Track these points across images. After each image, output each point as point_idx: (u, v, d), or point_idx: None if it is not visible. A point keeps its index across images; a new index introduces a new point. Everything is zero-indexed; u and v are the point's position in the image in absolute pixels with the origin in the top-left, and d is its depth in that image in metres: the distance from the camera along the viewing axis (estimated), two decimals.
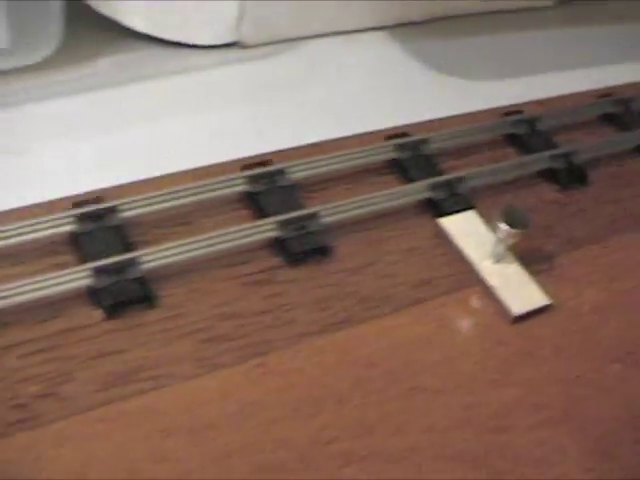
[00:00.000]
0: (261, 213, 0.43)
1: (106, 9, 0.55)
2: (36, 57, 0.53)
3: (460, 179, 0.47)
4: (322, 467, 0.34)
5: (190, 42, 0.59)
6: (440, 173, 0.48)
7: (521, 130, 0.52)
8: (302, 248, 0.42)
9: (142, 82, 0.56)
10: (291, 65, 0.60)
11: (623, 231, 0.48)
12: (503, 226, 0.41)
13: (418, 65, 0.62)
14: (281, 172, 0.45)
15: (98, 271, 0.38)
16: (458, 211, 0.45)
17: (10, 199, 0.43)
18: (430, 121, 0.53)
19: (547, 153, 0.51)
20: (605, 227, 0.49)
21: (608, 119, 0.57)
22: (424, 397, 0.37)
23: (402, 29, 0.65)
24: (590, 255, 0.46)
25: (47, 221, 0.40)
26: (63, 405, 0.34)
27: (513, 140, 0.53)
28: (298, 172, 0.46)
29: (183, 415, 0.35)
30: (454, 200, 0.46)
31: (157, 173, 0.46)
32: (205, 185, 0.44)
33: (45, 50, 0.53)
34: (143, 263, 0.39)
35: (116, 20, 0.56)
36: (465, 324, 0.41)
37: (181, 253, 0.40)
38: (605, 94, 0.59)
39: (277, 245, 0.42)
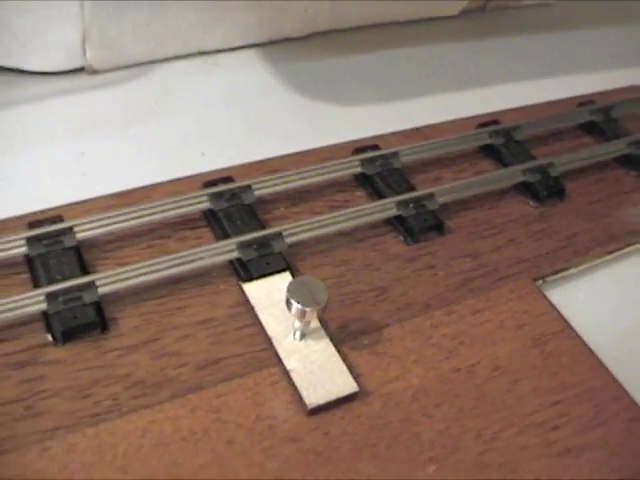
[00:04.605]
0: (36, 281, 0.38)
1: None
2: None
3: (277, 234, 0.41)
4: None
5: (29, 69, 0.54)
6: (263, 227, 0.42)
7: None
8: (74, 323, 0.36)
9: None
10: (140, 93, 0.54)
11: (476, 292, 0.41)
12: (294, 303, 0.35)
13: (285, 89, 0.55)
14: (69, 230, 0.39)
15: None
16: (269, 274, 0.39)
17: None
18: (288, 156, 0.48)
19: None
20: (457, 287, 0.41)
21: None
22: None
23: (274, 47, 0.59)
24: (429, 323, 0.40)
25: None
26: None
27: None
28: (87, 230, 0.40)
29: None
30: (266, 260, 0.40)
31: None
32: None
33: None
34: None
35: None
36: (248, 417, 0.34)
37: None
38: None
39: (46, 320, 0.37)
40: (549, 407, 0.37)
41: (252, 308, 0.38)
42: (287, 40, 0.59)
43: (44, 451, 0.33)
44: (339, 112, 0.53)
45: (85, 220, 0.40)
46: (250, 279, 0.39)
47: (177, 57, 0.56)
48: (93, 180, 0.46)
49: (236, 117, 0.52)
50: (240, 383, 0.35)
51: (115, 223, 0.40)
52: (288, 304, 0.35)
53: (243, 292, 0.38)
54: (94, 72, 0.55)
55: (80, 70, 0.55)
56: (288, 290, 0.34)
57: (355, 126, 0.51)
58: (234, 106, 0.53)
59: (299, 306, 0.34)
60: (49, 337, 0.36)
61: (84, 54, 0.54)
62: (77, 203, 0.43)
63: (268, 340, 0.37)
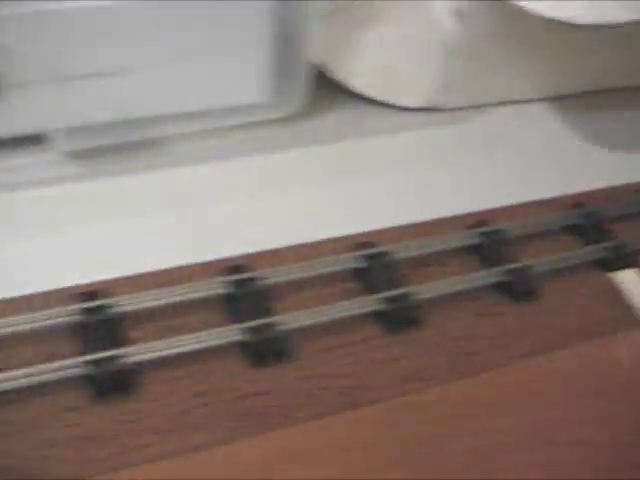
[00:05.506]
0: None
1: (338, 74, 0.66)
2: (284, 112, 0.63)
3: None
4: None
5: (396, 104, 0.70)
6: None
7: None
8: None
9: (357, 139, 0.68)
10: (474, 130, 0.71)
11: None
12: None
13: (576, 137, 0.73)
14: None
15: None
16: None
17: None
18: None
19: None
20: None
21: None
22: None
23: (560, 101, 0.76)
24: None
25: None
26: None
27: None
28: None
29: None
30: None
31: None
32: None
33: (292, 106, 0.63)
34: None
35: (346, 84, 0.67)
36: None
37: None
38: None
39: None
40: None
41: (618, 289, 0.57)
42: (567, 96, 0.76)
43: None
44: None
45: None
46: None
47: (496, 103, 0.73)
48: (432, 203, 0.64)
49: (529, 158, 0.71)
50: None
51: None
52: None
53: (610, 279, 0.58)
54: (438, 110, 0.72)
55: (428, 109, 0.72)
56: None
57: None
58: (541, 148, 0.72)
59: None
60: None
61: (440, 96, 0.71)
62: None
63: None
